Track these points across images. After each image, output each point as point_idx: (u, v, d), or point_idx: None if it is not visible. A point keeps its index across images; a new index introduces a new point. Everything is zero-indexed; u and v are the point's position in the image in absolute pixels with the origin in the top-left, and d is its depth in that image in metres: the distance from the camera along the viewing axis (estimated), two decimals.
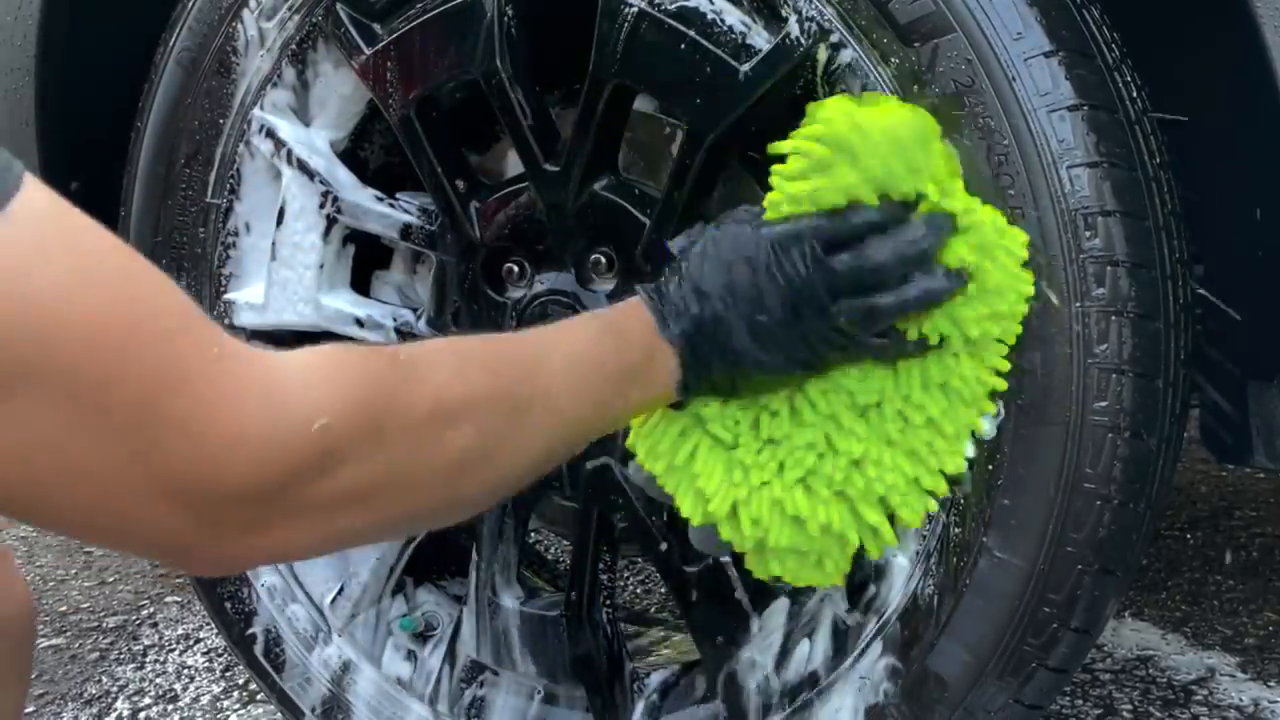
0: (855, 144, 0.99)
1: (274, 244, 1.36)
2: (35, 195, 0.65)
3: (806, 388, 1.04)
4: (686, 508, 1.07)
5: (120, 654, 1.95)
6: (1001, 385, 1.03)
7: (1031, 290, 1.01)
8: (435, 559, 1.45)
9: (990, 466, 1.07)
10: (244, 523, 0.71)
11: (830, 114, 1.01)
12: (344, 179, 1.34)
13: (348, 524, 0.76)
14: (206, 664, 1.90)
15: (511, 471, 0.87)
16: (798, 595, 1.22)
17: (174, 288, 0.72)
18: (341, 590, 1.41)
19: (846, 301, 0.97)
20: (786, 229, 0.98)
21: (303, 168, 1.33)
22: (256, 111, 1.35)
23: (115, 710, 1.77)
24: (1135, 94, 1.06)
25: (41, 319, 0.64)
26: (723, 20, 1.13)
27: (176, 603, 2.14)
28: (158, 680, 1.86)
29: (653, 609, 2.02)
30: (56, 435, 0.66)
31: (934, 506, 1.06)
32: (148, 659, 1.93)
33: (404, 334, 1.34)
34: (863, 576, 1.16)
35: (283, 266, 1.36)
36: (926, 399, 1.03)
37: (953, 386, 1.03)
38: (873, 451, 1.04)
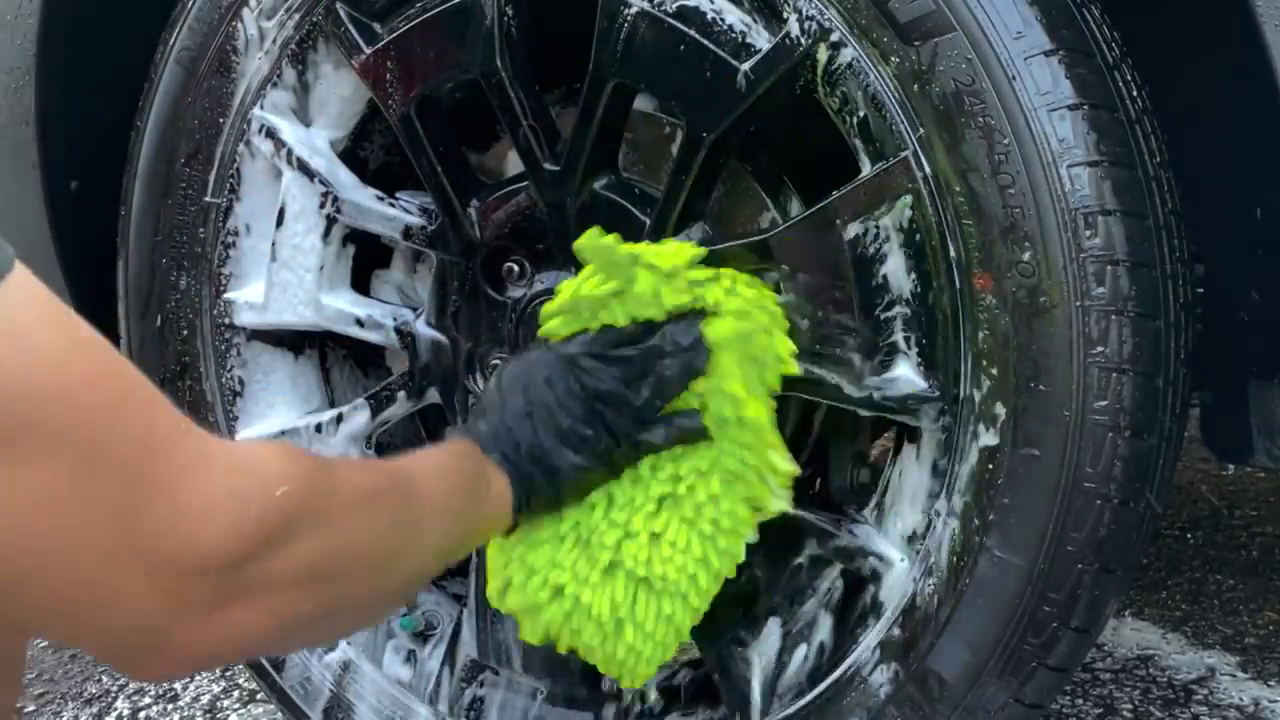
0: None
1: (274, 245, 1.36)
2: (25, 276, 0.68)
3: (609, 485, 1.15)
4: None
5: None
6: (784, 469, 1.13)
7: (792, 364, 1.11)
8: None
9: (990, 466, 1.07)
10: (209, 599, 0.73)
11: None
12: (345, 180, 1.34)
13: (299, 607, 0.80)
14: None
15: (412, 572, 0.95)
16: (795, 599, 1.23)
17: (142, 374, 0.75)
18: None
19: (639, 382, 1.11)
20: (571, 343, 1.13)
21: (303, 168, 1.33)
22: (257, 111, 1.35)
23: (115, 709, 1.77)
24: (1135, 93, 1.06)
25: (42, 381, 0.67)
26: (723, 19, 1.13)
27: None
28: None
29: None
30: (52, 492, 0.67)
31: (712, 591, 1.15)
32: None
33: (403, 333, 1.34)
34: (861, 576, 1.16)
35: (283, 268, 1.36)
36: (711, 478, 1.13)
37: (729, 469, 1.13)
38: (670, 532, 1.13)
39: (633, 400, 1.11)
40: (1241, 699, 1.66)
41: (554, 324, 1.15)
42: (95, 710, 1.77)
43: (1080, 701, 1.66)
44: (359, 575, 0.86)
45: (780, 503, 1.14)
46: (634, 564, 1.13)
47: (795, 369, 1.11)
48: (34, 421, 0.66)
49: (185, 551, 0.71)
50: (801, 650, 1.21)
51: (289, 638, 0.88)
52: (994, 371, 1.06)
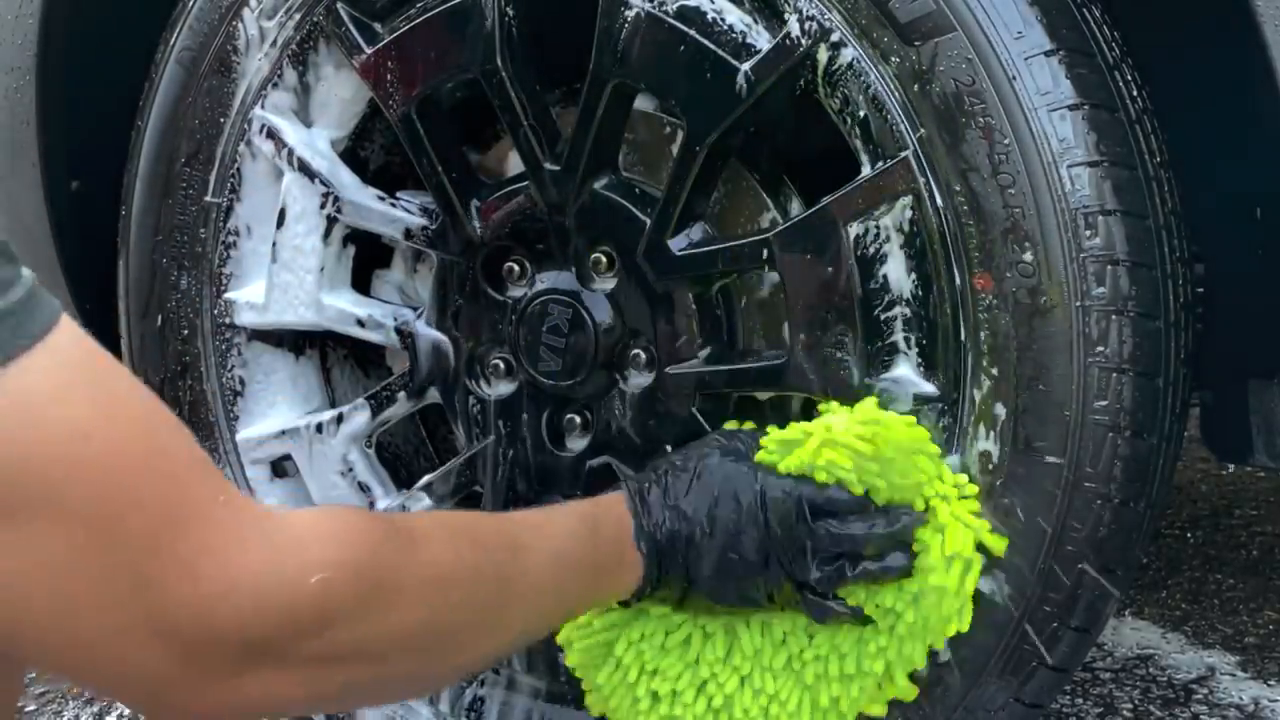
0: (861, 451, 1.04)
1: (275, 246, 1.36)
2: (68, 333, 0.68)
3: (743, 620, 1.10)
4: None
5: None
6: (915, 665, 1.09)
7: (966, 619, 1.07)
8: None
9: (991, 466, 1.07)
10: (227, 671, 0.71)
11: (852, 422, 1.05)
12: (347, 180, 1.34)
13: (330, 687, 0.76)
14: None
15: (486, 651, 0.89)
16: None
17: (187, 434, 0.73)
18: None
19: (819, 562, 1.03)
20: (782, 483, 1.04)
21: (304, 169, 1.33)
22: (257, 111, 1.35)
23: (116, 708, 1.77)
24: (1135, 93, 1.07)
25: (64, 449, 0.66)
26: (723, 19, 1.13)
27: None
28: None
29: None
30: (64, 563, 0.66)
31: None
32: None
33: (404, 333, 1.34)
34: None
35: (283, 270, 1.36)
36: (847, 660, 1.08)
37: (866, 662, 1.08)
38: (783, 691, 1.08)
39: (818, 573, 1.04)
40: (1241, 698, 1.66)
41: (782, 458, 1.05)
42: (96, 710, 1.77)
43: (1080, 700, 1.66)
44: (418, 658, 0.82)
45: (879, 710, 1.11)
46: (742, 715, 1.09)
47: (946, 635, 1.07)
48: (45, 494, 0.65)
49: (201, 629, 0.69)
50: None
51: (332, 705, 0.86)
52: (994, 371, 1.06)
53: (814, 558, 1.03)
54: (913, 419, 1.07)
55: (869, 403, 1.08)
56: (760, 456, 1.06)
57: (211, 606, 0.69)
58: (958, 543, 1.04)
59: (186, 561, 0.69)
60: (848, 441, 1.03)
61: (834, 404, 1.09)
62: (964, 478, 1.07)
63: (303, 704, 0.77)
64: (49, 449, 0.66)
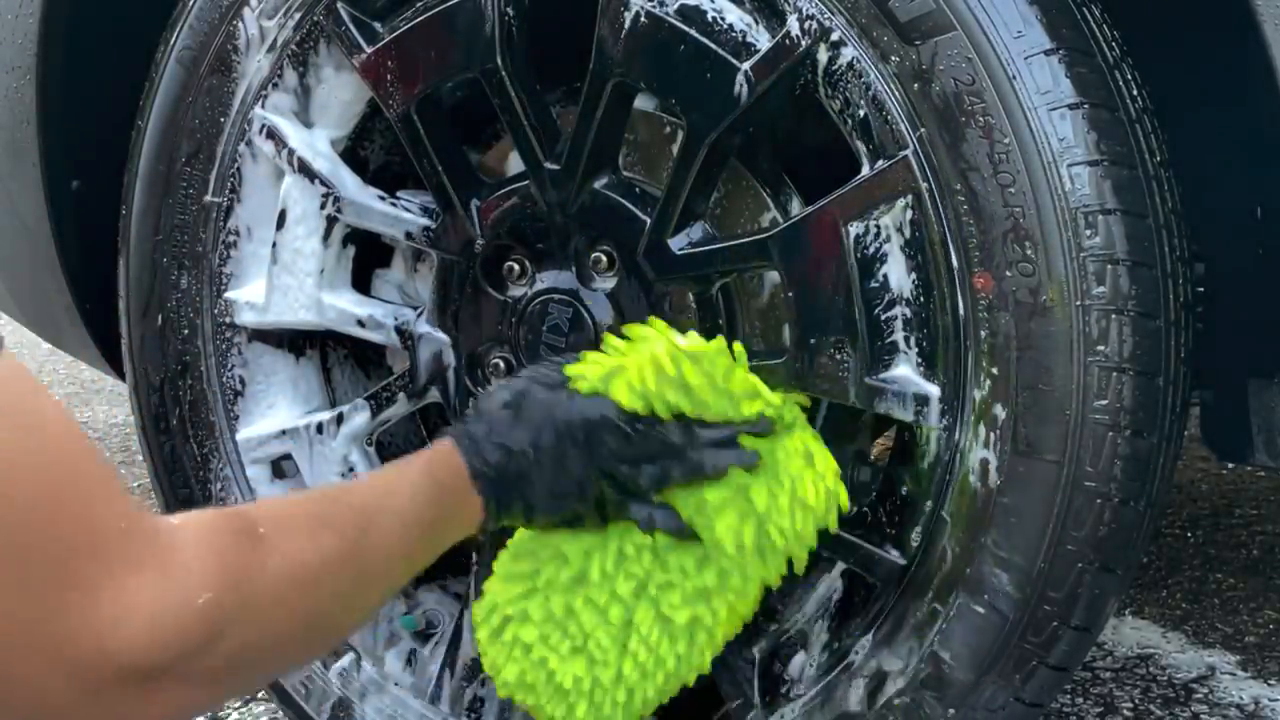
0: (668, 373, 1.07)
1: (275, 247, 1.36)
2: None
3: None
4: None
5: None
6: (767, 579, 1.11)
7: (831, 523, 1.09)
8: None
9: (990, 465, 1.07)
10: (129, 695, 0.73)
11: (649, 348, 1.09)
12: (348, 180, 1.34)
13: (227, 689, 0.81)
14: None
15: (356, 621, 0.97)
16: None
17: (101, 457, 0.75)
18: None
19: (645, 467, 1.08)
20: (596, 404, 1.08)
21: (304, 169, 1.33)
22: (258, 110, 1.35)
23: None
24: (1135, 92, 1.07)
25: None
26: (723, 19, 1.13)
27: None
28: None
29: None
30: None
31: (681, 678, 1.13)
32: None
33: (404, 333, 1.34)
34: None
35: (284, 272, 1.36)
36: (702, 576, 1.10)
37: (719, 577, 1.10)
38: (643, 625, 1.11)
39: (636, 482, 1.08)
40: (1242, 698, 1.66)
41: (591, 380, 1.09)
42: None
43: (1081, 700, 1.66)
44: (300, 646, 0.89)
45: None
46: (599, 653, 1.10)
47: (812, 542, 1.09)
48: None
49: (102, 657, 0.71)
50: (800, 655, 1.21)
51: (232, 698, 0.88)
52: (994, 371, 1.06)
53: (633, 464, 1.08)
54: (725, 358, 1.10)
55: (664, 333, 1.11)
56: (576, 385, 1.10)
57: (110, 633, 0.71)
58: (793, 445, 1.08)
59: (90, 589, 0.71)
60: (642, 369, 1.07)
61: (638, 330, 1.13)
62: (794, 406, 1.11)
63: (205, 708, 0.81)
64: None
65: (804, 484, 1.08)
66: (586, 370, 1.10)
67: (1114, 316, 1.02)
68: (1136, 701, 1.66)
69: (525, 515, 1.09)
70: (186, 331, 1.42)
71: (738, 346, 1.11)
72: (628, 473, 1.08)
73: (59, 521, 0.70)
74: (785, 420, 1.10)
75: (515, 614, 1.13)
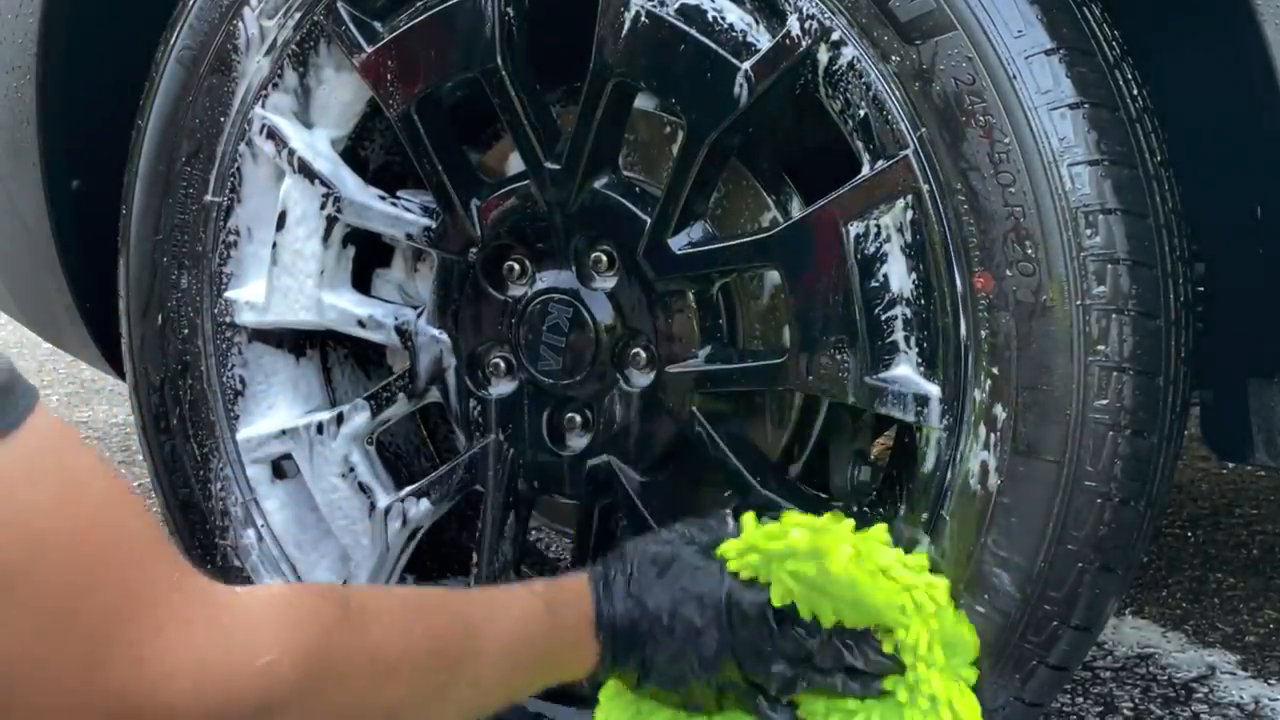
0: (837, 582, 1.01)
1: (275, 248, 1.35)
2: (43, 419, 0.69)
3: None
4: None
5: None
6: None
7: None
8: (437, 557, 1.45)
9: (990, 465, 1.07)
10: None
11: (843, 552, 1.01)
12: (349, 181, 1.34)
13: None
14: None
15: None
16: None
17: (147, 515, 0.74)
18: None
19: (778, 667, 1.03)
20: (749, 591, 1.03)
21: (304, 170, 1.33)
22: (258, 110, 1.35)
23: None
24: (1136, 91, 1.07)
25: (29, 533, 0.67)
26: (723, 18, 1.13)
27: None
28: None
29: None
30: (20, 643, 0.68)
31: None
32: None
33: (404, 332, 1.34)
34: None
35: (284, 273, 1.36)
36: None
37: None
38: None
39: (766, 677, 1.03)
40: (1242, 697, 1.66)
41: (750, 564, 1.03)
42: None
43: (1081, 700, 1.66)
44: None
45: None
46: None
47: None
48: (15, 574, 0.67)
49: (144, 713, 0.70)
50: None
51: None
52: (994, 371, 1.06)
53: (773, 663, 1.03)
54: (885, 539, 1.05)
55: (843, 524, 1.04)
56: (731, 563, 1.05)
57: (154, 689, 0.70)
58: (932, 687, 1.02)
59: (135, 645, 0.70)
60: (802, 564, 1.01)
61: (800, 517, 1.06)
62: (939, 585, 1.04)
63: None
64: (15, 532, 0.67)
65: None
66: (747, 551, 1.04)
67: (1114, 316, 1.02)
68: (1136, 701, 1.66)
69: (640, 676, 1.04)
70: (186, 331, 1.42)
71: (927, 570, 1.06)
72: (759, 667, 1.03)
73: (103, 578, 0.70)
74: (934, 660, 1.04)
75: None
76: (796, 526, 1.03)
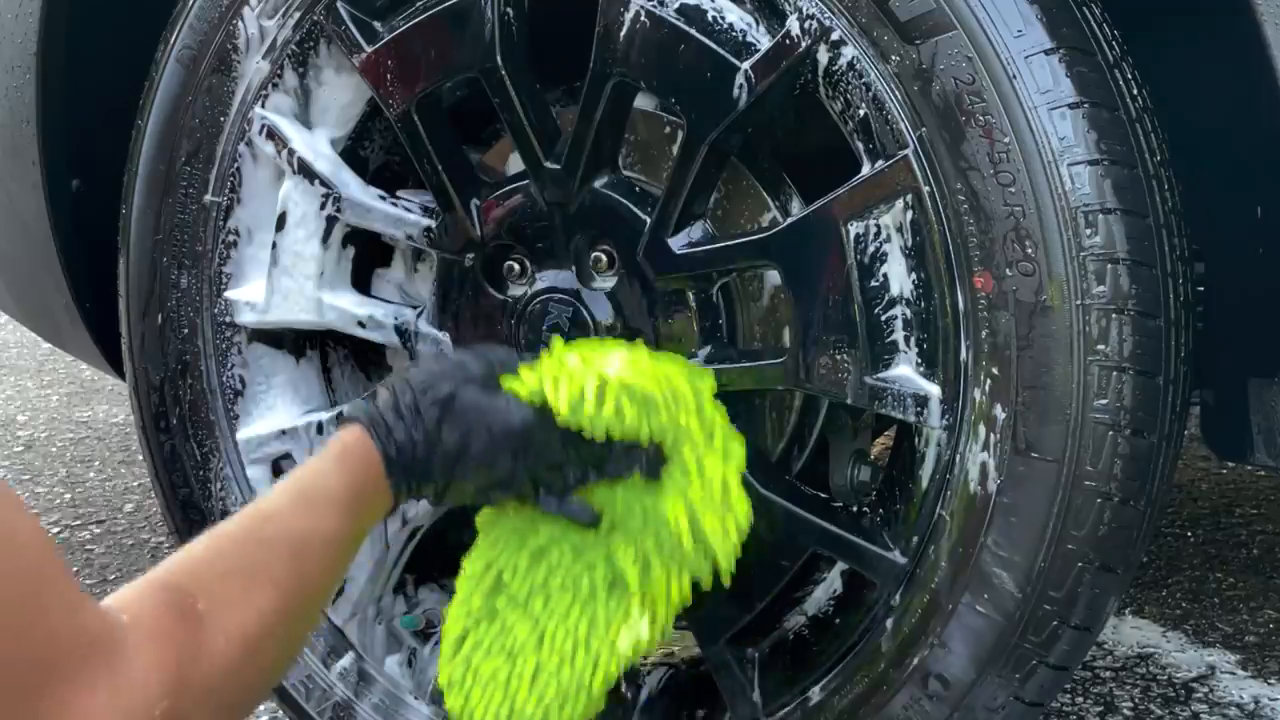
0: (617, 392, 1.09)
1: (275, 249, 1.35)
2: None
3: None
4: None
5: None
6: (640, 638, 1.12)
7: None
8: (436, 557, 1.45)
9: (990, 465, 1.07)
10: None
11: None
12: (349, 181, 1.34)
13: None
14: None
15: (302, 647, 0.98)
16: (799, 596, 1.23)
17: (58, 561, 0.75)
18: (342, 589, 1.41)
19: (572, 475, 1.11)
20: (533, 414, 1.09)
21: (304, 170, 1.33)
22: (258, 110, 1.35)
23: None
24: (1135, 91, 1.07)
25: None
26: (723, 18, 1.13)
27: None
28: None
29: None
30: None
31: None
32: None
33: (404, 332, 1.34)
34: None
35: (284, 275, 1.36)
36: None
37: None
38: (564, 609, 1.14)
39: (559, 482, 1.11)
40: (1242, 697, 1.66)
41: (530, 387, 1.10)
42: None
43: (1081, 699, 1.66)
44: (256, 697, 0.92)
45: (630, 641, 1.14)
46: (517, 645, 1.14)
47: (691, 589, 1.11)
48: None
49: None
50: (800, 652, 1.22)
51: None
52: (994, 371, 1.06)
53: (567, 472, 1.11)
54: (684, 363, 1.14)
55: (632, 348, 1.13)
56: (516, 390, 1.10)
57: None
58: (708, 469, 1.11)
59: (59, 702, 0.71)
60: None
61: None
62: (733, 437, 1.12)
63: None
64: None
65: (707, 514, 1.10)
66: (527, 380, 1.10)
67: (1114, 316, 1.02)
68: (1136, 701, 1.66)
69: (436, 498, 1.10)
70: (186, 331, 1.42)
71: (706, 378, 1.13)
72: (554, 478, 1.11)
73: (20, 645, 0.70)
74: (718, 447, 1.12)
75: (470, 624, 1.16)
76: (572, 352, 1.12)
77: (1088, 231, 1.01)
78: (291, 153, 1.33)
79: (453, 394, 1.07)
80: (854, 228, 1.09)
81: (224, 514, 1.42)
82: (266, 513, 0.97)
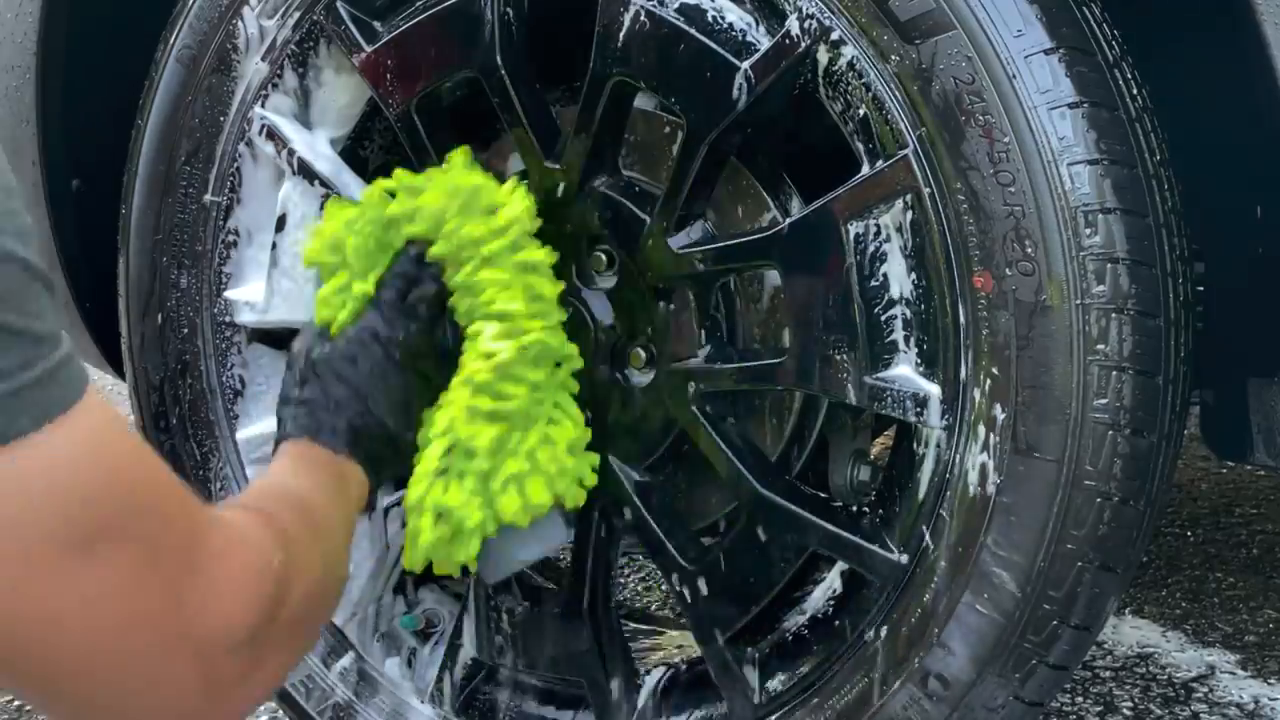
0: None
1: (274, 249, 1.35)
2: (93, 397, 0.77)
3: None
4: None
5: None
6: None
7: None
8: None
9: (990, 465, 1.07)
10: (237, 674, 0.84)
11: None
12: (349, 181, 1.33)
13: (295, 653, 0.95)
14: None
15: (342, 579, 1.07)
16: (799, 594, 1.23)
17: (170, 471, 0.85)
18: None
19: (438, 326, 1.19)
20: (359, 331, 1.17)
21: (304, 170, 1.33)
22: (258, 110, 1.35)
23: None
24: (1135, 91, 1.07)
25: (128, 479, 0.78)
26: (723, 18, 1.13)
27: None
28: None
29: (653, 606, 2.02)
30: (116, 590, 0.76)
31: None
32: None
33: None
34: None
35: (283, 275, 1.35)
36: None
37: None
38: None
39: (442, 343, 1.18)
40: (1241, 697, 1.66)
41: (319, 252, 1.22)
42: None
43: (1081, 699, 1.66)
44: (323, 604, 1.00)
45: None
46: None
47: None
48: (115, 520, 0.75)
49: (223, 628, 0.81)
50: (800, 652, 1.21)
51: (299, 654, 1.00)
52: (994, 371, 1.06)
53: (412, 329, 1.18)
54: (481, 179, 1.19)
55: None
56: (333, 316, 1.19)
57: (228, 607, 0.82)
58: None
59: (206, 571, 0.81)
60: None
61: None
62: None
63: (289, 667, 0.94)
64: (119, 477, 0.77)
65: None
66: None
67: (1114, 315, 1.02)
68: (1136, 700, 1.66)
69: (395, 455, 1.15)
70: (186, 331, 1.42)
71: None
72: (432, 345, 1.17)
73: (173, 519, 0.80)
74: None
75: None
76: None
77: (1087, 231, 1.01)
78: (291, 153, 1.33)
79: (312, 365, 1.16)
80: (854, 227, 1.09)
81: None
82: (291, 486, 1.06)
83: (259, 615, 0.84)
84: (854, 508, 1.21)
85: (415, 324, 1.18)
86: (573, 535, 1.29)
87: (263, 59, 1.33)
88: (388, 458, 1.16)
